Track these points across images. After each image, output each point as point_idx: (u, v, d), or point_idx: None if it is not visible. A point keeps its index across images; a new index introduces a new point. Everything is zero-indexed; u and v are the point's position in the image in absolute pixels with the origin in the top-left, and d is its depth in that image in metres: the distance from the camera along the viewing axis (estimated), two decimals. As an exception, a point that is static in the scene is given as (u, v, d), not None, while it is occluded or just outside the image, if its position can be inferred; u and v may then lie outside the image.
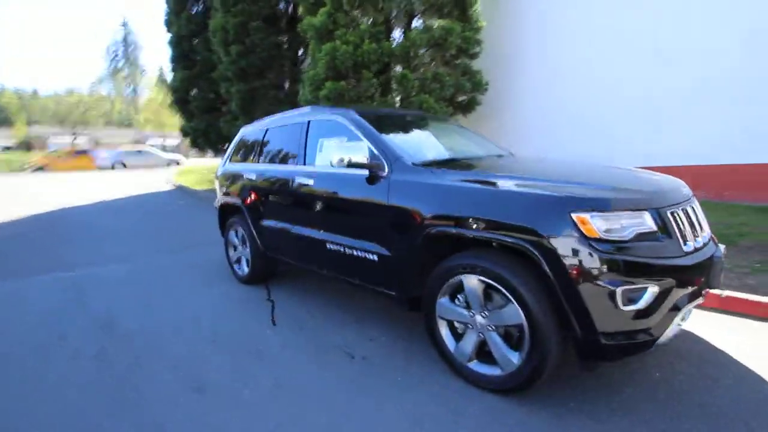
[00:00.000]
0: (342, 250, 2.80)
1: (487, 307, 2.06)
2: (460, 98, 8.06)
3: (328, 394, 2.15)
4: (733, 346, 2.45)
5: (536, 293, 1.85)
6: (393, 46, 7.20)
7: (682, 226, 1.90)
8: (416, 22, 8.22)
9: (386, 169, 2.52)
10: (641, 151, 6.75)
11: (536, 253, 1.80)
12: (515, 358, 1.95)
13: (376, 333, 2.86)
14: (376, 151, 2.58)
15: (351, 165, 2.56)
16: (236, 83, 10.64)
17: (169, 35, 13.48)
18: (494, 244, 2.02)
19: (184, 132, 13.60)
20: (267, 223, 3.58)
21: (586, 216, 1.75)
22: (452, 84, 7.48)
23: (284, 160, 3.50)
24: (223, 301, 3.64)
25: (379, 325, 2.99)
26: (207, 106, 12.62)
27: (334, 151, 2.95)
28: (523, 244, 1.83)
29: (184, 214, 8.83)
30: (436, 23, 7.40)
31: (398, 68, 7.66)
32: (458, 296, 2.20)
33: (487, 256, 2.03)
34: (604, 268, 1.71)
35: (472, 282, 2.06)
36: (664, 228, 1.83)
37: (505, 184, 2.01)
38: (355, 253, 2.70)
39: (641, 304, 1.73)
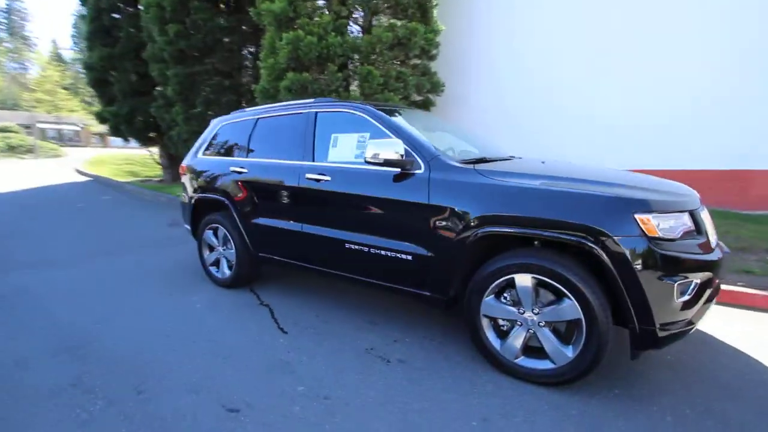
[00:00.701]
0: (366, 250, 2.67)
1: (538, 303, 2.13)
2: (417, 98, 8.20)
3: (385, 402, 2.04)
4: (736, 334, 2.84)
5: (594, 289, 1.95)
6: (358, 41, 7.07)
7: (707, 226, 2.14)
8: (376, 21, 8.18)
9: (422, 167, 2.46)
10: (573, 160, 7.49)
11: (601, 252, 1.89)
12: (569, 351, 2.04)
13: (397, 334, 2.79)
14: (409, 149, 2.51)
15: (384, 163, 2.46)
16: (173, 66, 9.61)
17: (83, 8, 11.72)
18: (537, 242, 2.09)
19: (101, 118, 11.91)
20: (262, 221, 3.29)
21: (647, 217, 1.89)
22: (414, 84, 7.59)
23: (286, 154, 3.23)
24: (210, 309, 3.27)
25: (396, 325, 2.92)
26: (132, 89, 11.19)
27: (354, 147, 2.83)
28: (589, 243, 1.92)
29: (116, 211, 7.77)
30: (399, 23, 7.43)
31: (357, 64, 7.56)
32: (504, 294, 2.24)
33: (542, 254, 2.09)
34: (663, 264, 1.87)
35: (526, 280, 2.11)
36: (698, 227, 2.06)
37: (562, 186, 2.08)
38: (383, 253, 2.60)
39: (688, 296, 1.93)
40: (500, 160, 2.72)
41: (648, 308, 1.87)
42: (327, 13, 7.07)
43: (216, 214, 3.72)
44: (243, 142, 3.59)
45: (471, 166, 2.40)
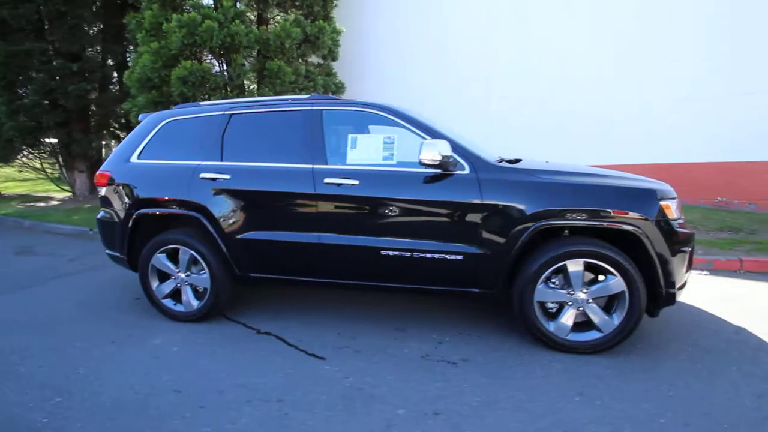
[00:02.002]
0: (408, 255, 2.58)
1: (584, 284, 2.44)
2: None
3: (491, 402, 2.03)
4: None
5: (633, 265, 2.37)
6: (265, 34, 6.50)
7: (677, 208, 2.82)
8: (270, 15, 7.66)
9: (467, 168, 2.52)
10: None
11: (642, 233, 2.31)
12: (615, 320, 2.42)
13: (435, 336, 2.78)
14: (451, 151, 2.52)
15: (437, 165, 2.44)
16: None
17: None
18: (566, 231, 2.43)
19: None
20: (257, 236, 2.79)
21: (667, 203, 2.38)
22: (322, 84, 7.41)
23: (284, 156, 2.81)
24: (196, 349, 2.62)
25: (424, 327, 2.89)
26: None
27: (381, 148, 2.69)
28: (633, 226, 2.31)
29: None
30: (307, 21, 7.12)
31: (260, 58, 6.96)
32: (552, 280, 2.49)
33: (590, 241, 2.40)
34: (679, 238, 2.39)
35: (577, 265, 2.40)
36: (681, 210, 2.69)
37: (599, 181, 2.44)
38: (428, 256, 2.55)
39: (687, 261, 2.51)
40: (516, 160, 2.96)
41: (671, 274, 2.38)
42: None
43: (175, 232, 2.98)
44: (211, 143, 2.95)
45: (513, 165, 2.57)
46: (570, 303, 2.47)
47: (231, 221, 2.83)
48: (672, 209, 2.39)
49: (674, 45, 6.60)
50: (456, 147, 2.55)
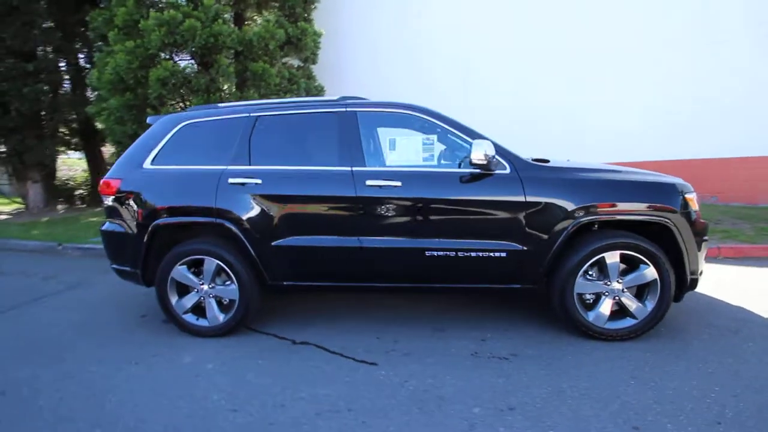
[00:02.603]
0: (453, 254, 2.60)
1: (620, 274, 2.59)
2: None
3: (559, 392, 2.09)
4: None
5: (663, 254, 2.54)
6: (248, 35, 6.28)
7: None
8: (248, 15, 7.43)
9: (507, 167, 2.59)
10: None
11: (673, 224, 2.49)
12: (648, 306, 2.58)
13: (476, 333, 2.81)
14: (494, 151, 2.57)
15: (476, 165, 2.49)
16: None
17: None
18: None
19: None
20: (293, 242, 2.69)
21: (690, 196, 2.58)
22: (304, 87, 7.28)
23: (319, 159, 2.75)
24: (235, 365, 2.49)
25: (461, 325, 2.92)
26: None
27: (420, 149, 2.70)
28: (666, 218, 2.49)
29: None
30: (288, 22, 6.97)
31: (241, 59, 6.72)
32: (589, 272, 2.61)
33: (625, 234, 2.55)
34: (702, 228, 2.60)
35: (614, 256, 2.54)
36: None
37: (628, 177, 2.60)
38: (473, 254, 2.59)
39: (706, 249, 2.74)
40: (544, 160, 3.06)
41: (695, 261, 2.58)
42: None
43: (198, 242, 2.80)
44: (236, 147, 2.81)
45: (548, 165, 2.68)
46: (606, 293, 2.60)
47: (264, 228, 2.70)
48: (694, 201, 2.61)
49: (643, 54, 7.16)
50: (497, 147, 2.62)
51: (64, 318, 3.37)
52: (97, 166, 10.13)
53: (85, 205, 9.90)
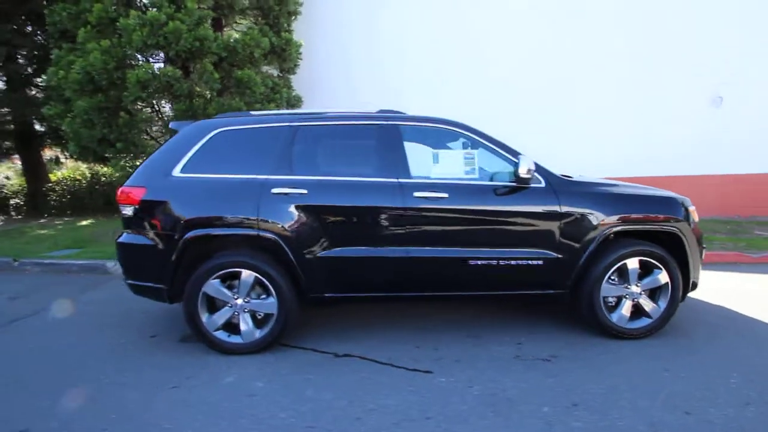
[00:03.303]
0: (494, 263, 2.73)
1: (638, 278, 2.88)
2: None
3: (612, 389, 2.26)
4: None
5: (673, 260, 2.87)
6: (232, 42, 6.10)
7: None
8: (232, 23, 7.22)
9: (542, 181, 2.79)
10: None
11: (681, 233, 2.83)
12: (661, 305, 2.89)
13: (508, 338, 2.94)
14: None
15: (523, 179, 2.67)
16: None
17: None
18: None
19: None
20: (339, 253, 2.67)
21: (692, 208, 2.95)
22: (287, 97, 7.18)
23: (362, 170, 2.76)
24: (289, 382, 2.40)
25: (493, 331, 3.04)
26: None
27: (462, 162, 2.83)
28: (675, 228, 2.82)
29: None
30: (271, 32, 6.85)
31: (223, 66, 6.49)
32: (611, 277, 2.87)
33: (642, 242, 2.85)
34: (700, 236, 2.98)
35: (634, 263, 2.82)
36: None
37: (643, 191, 2.92)
38: (513, 262, 2.74)
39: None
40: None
41: (698, 265, 2.95)
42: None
43: (235, 254, 2.67)
44: (276, 156, 2.74)
45: (575, 179, 2.92)
46: (627, 296, 2.88)
47: (310, 239, 2.65)
48: (695, 213, 2.99)
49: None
50: (536, 165, 2.81)
51: (58, 342, 3.01)
52: (36, 173, 9.08)
53: (21, 216, 8.78)
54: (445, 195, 2.70)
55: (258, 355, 2.73)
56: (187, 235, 2.60)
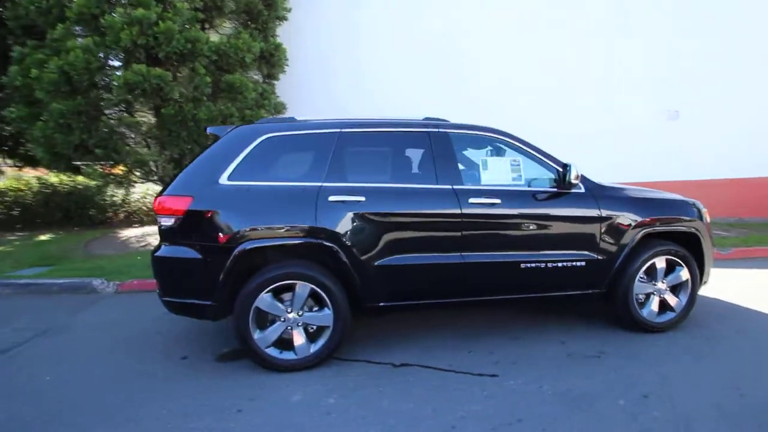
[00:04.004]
0: (542, 266, 2.84)
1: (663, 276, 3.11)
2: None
3: (668, 378, 2.41)
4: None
5: (692, 258, 3.14)
6: (223, 45, 5.85)
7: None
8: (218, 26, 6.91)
9: (582, 187, 2.95)
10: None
11: (699, 233, 3.10)
12: (683, 300, 3.13)
13: (550, 337, 3.04)
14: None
15: (564, 185, 2.82)
16: None
17: None
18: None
19: None
20: (395, 261, 2.63)
21: (705, 210, 3.25)
22: (274, 104, 6.99)
23: (414, 177, 2.77)
24: (362, 398, 2.34)
25: (530, 331, 3.13)
26: None
27: (509, 169, 2.93)
28: (695, 228, 3.09)
29: None
30: (259, 36, 6.65)
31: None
32: (641, 275, 3.08)
33: (667, 242, 3.08)
34: (711, 236, 3.28)
35: (662, 261, 3.05)
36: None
37: (664, 196, 3.17)
38: (560, 264, 2.87)
39: (710, 253, 3.45)
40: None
41: (711, 262, 3.24)
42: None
43: (291, 265, 2.54)
44: (329, 163, 2.66)
45: (607, 185, 3.11)
46: (654, 293, 3.10)
47: (368, 247, 2.60)
48: (707, 214, 3.30)
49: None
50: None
51: (71, 372, 2.69)
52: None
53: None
54: (498, 201, 2.77)
55: (312, 370, 2.61)
56: (242, 247, 2.44)
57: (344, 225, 2.57)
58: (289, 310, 2.56)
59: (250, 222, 2.49)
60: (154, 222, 9.26)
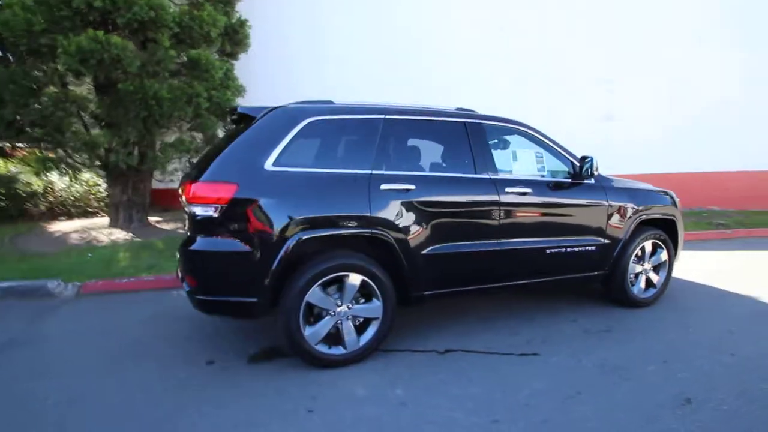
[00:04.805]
0: (563, 250, 3.08)
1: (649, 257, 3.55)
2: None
3: (681, 347, 2.78)
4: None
5: (670, 241, 3.62)
6: (186, 18, 5.25)
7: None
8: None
9: (592, 179, 3.23)
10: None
11: (677, 219, 3.59)
12: (662, 277, 3.60)
13: (560, 318, 3.31)
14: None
15: (578, 176, 3.09)
16: None
17: None
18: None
19: None
20: (441, 249, 2.66)
21: (678, 199, 3.76)
22: (237, 86, 6.48)
23: (454, 166, 2.80)
24: (434, 389, 2.36)
25: (539, 313, 3.36)
26: None
27: (535, 161, 3.11)
28: (675, 215, 3.56)
29: None
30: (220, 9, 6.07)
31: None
32: (634, 258, 3.48)
33: (653, 228, 3.50)
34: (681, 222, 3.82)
35: (649, 245, 3.48)
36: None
37: (644, 186, 3.59)
38: (576, 249, 3.13)
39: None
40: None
41: (682, 243, 3.77)
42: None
43: (343, 255, 2.43)
44: (376, 150, 2.57)
45: (608, 176, 3.45)
46: (643, 272, 3.53)
47: (417, 236, 2.58)
48: (679, 203, 3.81)
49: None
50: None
51: (75, 387, 2.31)
52: None
53: None
54: (529, 190, 2.93)
55: (359, 363, 2.54)
56: (298, 237, 2.27)
57: (396, 214, 2.52)
58: (338, 303, 2.46)
59: (304, 211, 2.33)
60: (86, 215, 8.14)
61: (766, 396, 2.22)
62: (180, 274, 2.63)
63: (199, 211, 2.25)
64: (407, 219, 2.56)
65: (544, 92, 8.75)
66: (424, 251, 2.63)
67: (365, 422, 2.00)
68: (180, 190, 2.73)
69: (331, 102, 2.68)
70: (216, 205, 2.22)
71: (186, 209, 2.44)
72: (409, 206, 2.56)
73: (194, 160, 6.36)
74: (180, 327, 3.13)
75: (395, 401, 2.16)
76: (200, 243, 2.27)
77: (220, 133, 6.57)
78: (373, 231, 2.45)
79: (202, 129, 5.77)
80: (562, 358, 2.64)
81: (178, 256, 2.78)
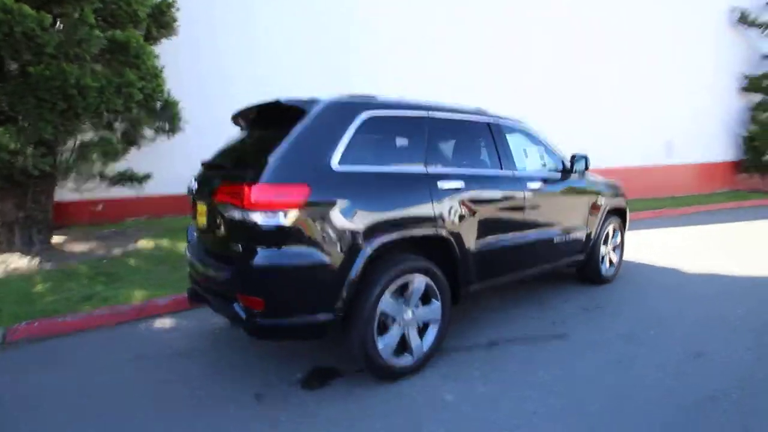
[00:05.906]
0: (564, 238, 3.43)
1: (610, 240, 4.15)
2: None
3: (661, 318, 3.32)
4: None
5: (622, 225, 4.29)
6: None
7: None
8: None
9: (577, 175, 3.65)
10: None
11: (626, 206, 4.26)
12: (618, 257, 4.26)
13: (554, 302, 3.66)
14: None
15: (568, 171, 3.48)
16: None
17: None
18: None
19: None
20: (486, 244, 2.74)
21: (624, 189, 4.46)
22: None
23: (483, 163, 2.92)
24: (508, 387, 2.41)
25: (538, 300, 3.69)
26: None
27: (539, 158, 3.40)
28: (625, 204, 4.22)
29: None
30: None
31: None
32: (603, 241, 4.03)
33: (614, 216, 4.11)
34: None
35: (611, 230, 4.07)
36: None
37: (606, 179, 4.20)
38: (571, 236, 3.52)
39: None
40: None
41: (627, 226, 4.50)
42: None
43: (413, 258, 2.32)
44: (425, 147, 2.51)
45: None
46: (607, 253, 4.12)
47: (468, 233, 2.61)
48: (625, 192, 4.53)
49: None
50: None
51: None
52: None
53: None
54: (542, 185, 3.20)
55: (421, 371, 2.45)
56: (377, 243, 2.10)
57: (453, 212, 2.51)
58: (407, 310, 2.33)
59: (379, 214, 2.17)
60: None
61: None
62: (215, 298, 2.19)
63: (262, 218, 1.90)
64: (460, 216, 2.57)
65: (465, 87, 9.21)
66: (474, 247, 2.67)
67: (479, 422, 1.95)
68: (199, 198, 2.29)
69: (373, 97, 2.52)
70: (284, 211, 1.92)
71: (225, 217, 2.05)
72: (461, 204, 2.57)
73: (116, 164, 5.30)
74: (186, 366, 2.58)
75: (487, 399, 2.17)
76: (267, 256, 1.93)
77: (147, 131, 5.60)
78: (438, 230, 2.40)
79: (133, 125, 4.82)
80: (584, 336, 2.93)
81: (194, 270, 2.34)
